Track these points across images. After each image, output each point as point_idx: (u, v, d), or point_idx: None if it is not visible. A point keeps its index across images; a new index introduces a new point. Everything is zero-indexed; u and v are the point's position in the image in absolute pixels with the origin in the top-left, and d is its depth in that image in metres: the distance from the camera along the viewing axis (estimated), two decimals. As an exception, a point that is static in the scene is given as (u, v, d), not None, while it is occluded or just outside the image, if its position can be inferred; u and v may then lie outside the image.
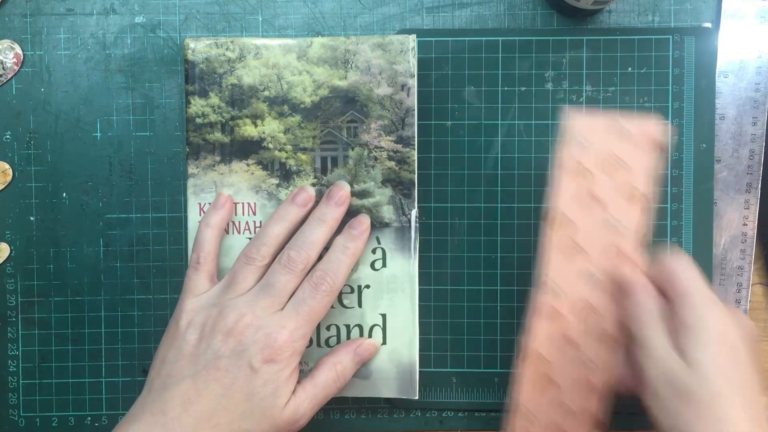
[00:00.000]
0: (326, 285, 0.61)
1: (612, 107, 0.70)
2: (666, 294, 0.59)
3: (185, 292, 0.63)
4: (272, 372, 0.58)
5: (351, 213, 0.66)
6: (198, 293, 0.62)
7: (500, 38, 0.70)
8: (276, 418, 0.59)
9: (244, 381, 0.58)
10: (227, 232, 0.66)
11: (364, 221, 0.65)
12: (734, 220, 0.69)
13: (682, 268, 0.59)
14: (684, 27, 0.70)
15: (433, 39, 0.70)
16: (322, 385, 0.63)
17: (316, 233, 0.63)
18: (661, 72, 0.70)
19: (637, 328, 0.59)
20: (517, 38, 0.70)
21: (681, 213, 0.70)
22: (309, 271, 0.62)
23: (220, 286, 0.62)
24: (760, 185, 0.69)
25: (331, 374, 0.63)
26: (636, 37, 0.70)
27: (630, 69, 0.70)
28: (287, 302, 0.61)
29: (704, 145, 0.69)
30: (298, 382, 0.62)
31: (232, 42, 0.66)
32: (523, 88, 0.70)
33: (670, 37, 0.70)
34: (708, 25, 0.69)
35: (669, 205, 0.70)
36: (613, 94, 0.70)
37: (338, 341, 0.67)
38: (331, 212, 0.64)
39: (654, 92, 0.70)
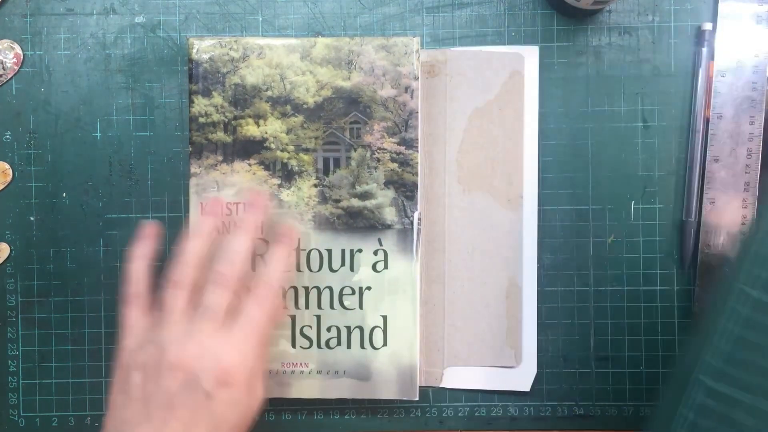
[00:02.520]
0: (263, 290, 0.60)
1: (612, 107, 0.70)
2: None
3: (124, 332, 0.61)
4: (230, 396, 0.56)
5: (353, 215, 0.66)
6: (135, 330, 0.60)
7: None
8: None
9: (204, 411, 0.55)
10: (228, 232, 0.66)
11: (290, 229, 0.65)
12: (732, 220, 0.70)
13: None
14: (684, 27, 0.70)
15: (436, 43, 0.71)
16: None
17: (238, 244, 0.61)
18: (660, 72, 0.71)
19: None
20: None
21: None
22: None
23: (154, 319, 0.60)
24: (757, 184, 0.70)
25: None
26: (636, 37, 0.71)
27: (630, 69, 0.71)
28: (227, 321, 0.59)
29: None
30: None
31: (235, 41, 0.66)
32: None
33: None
34: (708, 25, 0.69)
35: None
36: (614, 95, 0.71)
37: (338, 343, 0.67)
38: (250, 219, 0.63)
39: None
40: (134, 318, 0.61)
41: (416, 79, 0.66)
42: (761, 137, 0.69)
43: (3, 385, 0.71)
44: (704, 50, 0.69)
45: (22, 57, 0.70)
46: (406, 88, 0.66)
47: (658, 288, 0.71)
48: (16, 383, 0.71)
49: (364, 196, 0.66)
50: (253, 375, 0.58)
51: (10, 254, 0.71)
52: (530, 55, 0.70)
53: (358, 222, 0.66)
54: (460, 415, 0.72)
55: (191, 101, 0.66)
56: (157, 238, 0.65)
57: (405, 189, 0.66)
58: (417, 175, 0.66)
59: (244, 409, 0.58)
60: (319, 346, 0.67)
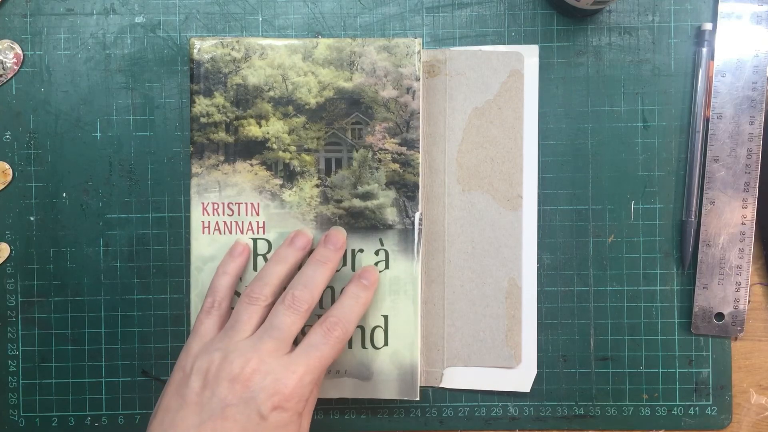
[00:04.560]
0: (339, 332, 0.60)
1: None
2: None
3: (193, 336, 0.61)
4: (281, 420, 0.56)
5: (354, 215, 0.66)
6: (204, 338, 0.61)
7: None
8: None
9: (253, 430, 0.55)
10: (230, 232, 0.66)
11: (373, 272, 0.65)
12: (732, 219, 0.70)
13: None
14: (684, 27, 0.70)
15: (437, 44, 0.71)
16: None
17: (318, 274, 0.62)
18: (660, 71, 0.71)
19: None
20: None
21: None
22: (312, 314, 0.61)
23: (223, 329, 0.61)
24: (757, 184, 0.70)
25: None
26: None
27: (630, 69, 0.71)
28: (293, 345, 0.59)
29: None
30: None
31: (237, 42, 0.66)
32: (523, 89, 0.71)
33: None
34: (708, 25, 0.69)
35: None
36: (614, 95, 0.71)
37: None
38: (331, 255, 0.64)
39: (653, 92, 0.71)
40: (207, 326, 0.62)
41: (418, 80, 0.66)
42: (761, 137, 0.69)
43: (3, 385, 0.71)
44: (704, 50, 0.69)
45: (22, 57, 0.70)
46: (408, 89, 0.66)
47: (658, 288, 0.71)
48: (16, 383, 0.71)
49: (366, 196, 0.66)
50: (306, 407, 0.59)
51: (10, 254, 0.71)
52: (530, 55, 0.70)
53: (360, 222, 0.66)
54: (460, 415, 0.72)
55: (192, 101, 0.66)
56: (247, 257, 0.66)
57: (406, 189, 0.66)
58: (418, 175, 0.66)
59: None
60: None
